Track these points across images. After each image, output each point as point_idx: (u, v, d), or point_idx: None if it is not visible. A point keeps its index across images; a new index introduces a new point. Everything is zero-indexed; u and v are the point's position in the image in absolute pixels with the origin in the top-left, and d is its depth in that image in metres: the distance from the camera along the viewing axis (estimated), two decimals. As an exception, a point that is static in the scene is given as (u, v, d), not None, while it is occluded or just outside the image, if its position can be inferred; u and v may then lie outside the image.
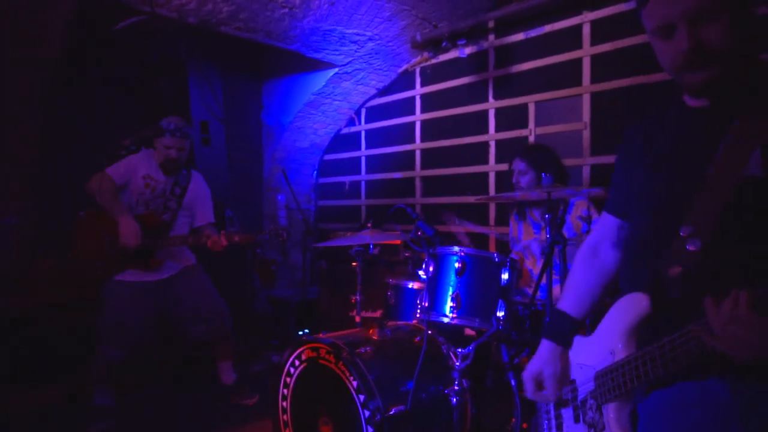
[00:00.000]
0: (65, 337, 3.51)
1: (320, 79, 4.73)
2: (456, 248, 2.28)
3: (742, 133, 1.03)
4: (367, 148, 5.23)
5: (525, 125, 3.94)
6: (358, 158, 5.30)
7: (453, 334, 2.48)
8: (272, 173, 5.30)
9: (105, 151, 3.17)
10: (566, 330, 1.37)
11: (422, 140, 4.72)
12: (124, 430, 3.03)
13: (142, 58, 4.24)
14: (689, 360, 0.97)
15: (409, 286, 2.78)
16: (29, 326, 3.43)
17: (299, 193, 5.43)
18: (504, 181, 4.04)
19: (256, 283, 4.95)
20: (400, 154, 4.90)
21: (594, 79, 3.54)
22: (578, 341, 1.34)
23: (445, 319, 2.25)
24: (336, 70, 4.57)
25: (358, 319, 2.94)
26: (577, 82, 3.63)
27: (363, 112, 5.23)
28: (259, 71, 5.24)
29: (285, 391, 2.40)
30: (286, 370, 2.39)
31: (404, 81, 4.83)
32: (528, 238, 3.12)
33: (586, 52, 3.58)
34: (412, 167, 4.80)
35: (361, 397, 2.06)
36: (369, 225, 2.98)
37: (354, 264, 2.97)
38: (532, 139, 3.88)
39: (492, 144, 4.17)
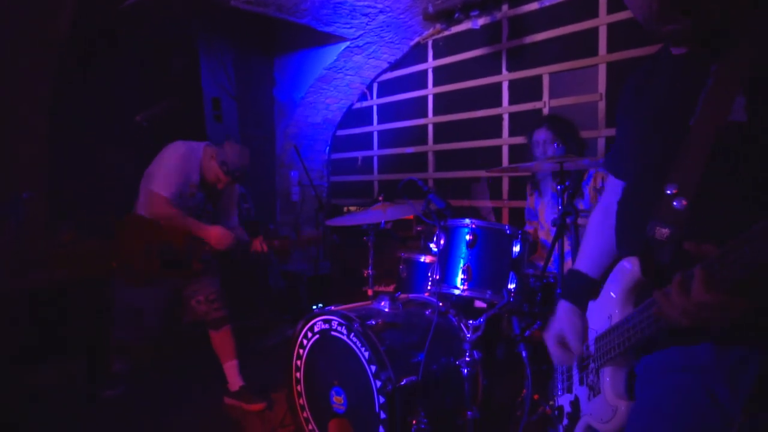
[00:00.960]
0: (84, 311, 3.59)
1: (332, 54, 4.68)
2: (467, 220, 2.27)
3: (722, 77, 0.98)
4: (379, 123, 5.19)
5: (539, 97, 3.87)
6: (371, 133, 5.27)
7: (464, 306, 2.48)
8: (285, 150, 5.30)
9: (115, 127, 3.17)
10: (583, 290, 1.36)
11: (435, 114, 4.67)
12: (134, 397, 3.15)
13: (152, 34, 4.23)
14: (666, 326, 0.96)
15: (421, 260, 2.79)
16: (49, 301, 3.50)
17: (312, 169, 5.43)
18: (517, 154, 3.99)
19: (271, 257, 5.00)
20: (413, 129, 4.86)
21: (610, 49, 3.46)
22: (588, 304, 1.34)
23: (456, 291, 2.25)
24: (347, 43, 4.52)
25: (370, 293, 2.95)
26: (593, 52, 3.54)
27: (375, 86, 5.18)
28: (270, 47, 5.20)
29: (298, 362, 2.43)
30: (299, 341, 2.42)
31: (416, 54, 4.76)
32: (544, 209, 3.09)
33: (602, 20, 3.48)
34: (424, 142, 4.76)
35: (373, 368, 2.08)
36: (380, 199, 2.98)
37: (366, 238, 2.98)
38: (546, 111, 3.82)
39: (506, 117, 4.11)
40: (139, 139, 4.00)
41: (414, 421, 2.06)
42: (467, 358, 2.19)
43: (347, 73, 4.91)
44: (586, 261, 1.39)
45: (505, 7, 4.05)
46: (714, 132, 0.97)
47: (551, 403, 1.48)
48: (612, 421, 1.13)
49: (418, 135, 4.82)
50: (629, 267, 1.11)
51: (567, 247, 2.25)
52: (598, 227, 1.40)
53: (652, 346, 1.08)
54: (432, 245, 2.41)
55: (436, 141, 4.68)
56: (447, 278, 2.29)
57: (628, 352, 1.11)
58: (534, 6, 3.86)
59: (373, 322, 2.22)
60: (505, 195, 4.14)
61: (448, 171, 4.58)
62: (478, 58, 4.27)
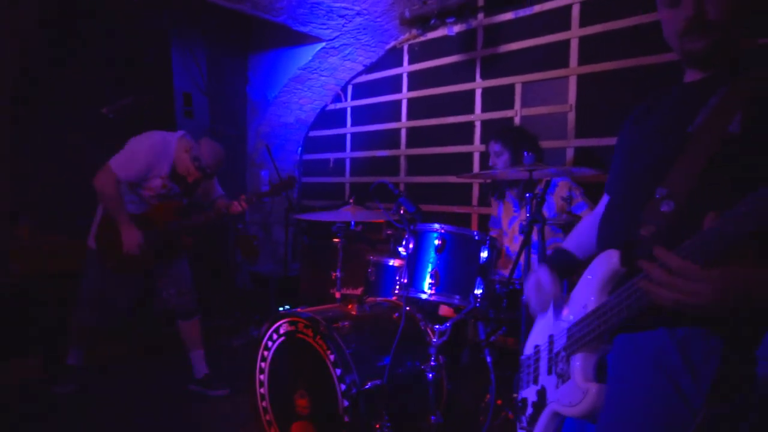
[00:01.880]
0: (45, 308, 3.48)
1: (307, 54, 4.65)
2: (436, 225, 2.29)
3: (728, 97, 1.07)
4: (352, 125, 5.18)
5: (511, 106, 3.92)
6: (344, 135, 5.25)
7: (431, 310, 2.49)
8: (256, 149, 5.25)
9: (83, 119, 3.09)
10: (565, 264, 1.46)
11: (408, 118, 4.69)
12: (88, 394, 3.09)
13: (124, 25, 4.13)
14: (641, 311, 1.01)
15: (390, 263, 2.79)
16: (9, 298, 3.38)
17: (283, 170, 5.38)
18: (488, 161, 4.04)
19: (238, 258, 4.93)
20: (386, 132, 4.86)
21: (581, 62, 3.53)
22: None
23: (424, 296, 2.26)
24: (323, 44, 4.50)
25: (338, 295, 2.94)
26: (565, 63, 3.61)
27: (349, 88, 5.17)
28: (245, 44, 5.14)
29: (263, 364, 2.40)
30: (264, 343, 2.39)
31: (392, 58, 4.77)
32: (508, 217, 3.14)
33: (574, 33, 3.56)
34: (397, 145, 4.77)
35: (338, 371, 2.08)
36: (351, 201, 2.97)
37: (336, 240, 2.96)
38: (517, 120, 3.87)
39: (478, 124, 4.16)
40: (106, 131, 3.90)
41: (378, 425, 2.06)
42: (432, 363, 2.20)
43: (322, 74, 4.89)
44: (573, 243, 1.49)
45: (480, 16, 4.09)
46: (713, 141, 1.04)
47: (515, 395, 1.52)
48: (581, 403, 1.16)
49: (391, 138, 4.83)
50: (609, 258, 1.17)
51: (534, 255, 2.29)
52: (591, 221, 1.48)
53: (624, 330, 1.12)
54: (401, 249, 2.41)
55: (408, 145, 4.70)
56: (415, 282, 2.29)
57: (603, 335, 1.14)
58: (509, 16, 3.92)
59: (340, 325, 2.21)
60: (474, 201, 4.18)
61: (420, 175, 4.60)
62: (452, 65, 4.31)
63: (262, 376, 2.41)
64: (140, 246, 2.88)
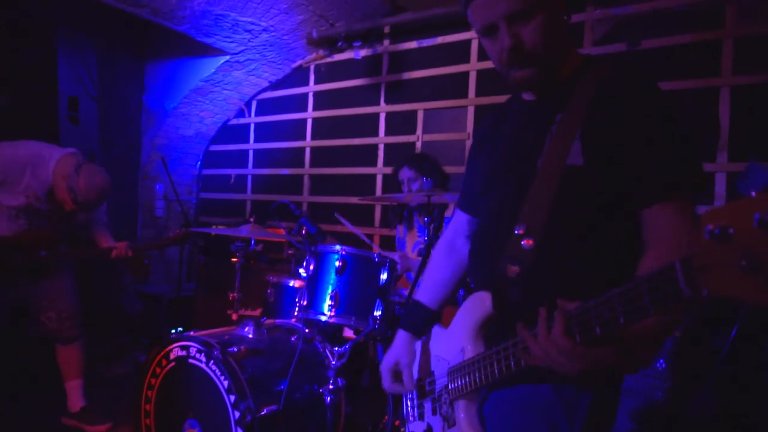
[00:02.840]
0: None
1: (210, 66, 4.51)
2: (337, 247, 2.29)
3: (564, 125, 1.07)
4: (255, 141, 5.08)
5: (413, 131, 4.06)
6: (246, 151, 5.13)
7: (332, 333, 2.47)
8: (151, 160, 4.96)
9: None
10: (420, 320, 1.40)
11: (313, 138, 4.68)
12: None
13: (2, 14, 3.74)
14: (519, 369, 1.00)
15: (290, 284, 2.74)
16: None
17: (180, 184, 5.13)
18: (390, 183, 4.12)
19: (126, 278, 4.59)
20: (290, 150, 4.82)
21: (478, 93, 3.74)
22: (438, 332, 1.36)
23: (323, 318, 2.24)
24: (227, 57, 4.39)
25: (235, 317, 2.84)
26: (464, 94, 3.81)
27: (254, 104, 5.07)
28: (142, 50, 4.88)
29: (149, 393, 2.24)
30: (151, 370, 2.24)
31: (298, 76, 4.76)
32: (413, 241, 3.21)
33: (473, 66, 3.77)
34: (301, 164, 4.74)
35: (232, 398, 1.99)
36: (251, 220, 2.89)
37: (234, 260, 2.86)
38: (419, 145, 4.01)
39: (381, 147, 4.25)
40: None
41: (272, 453, 1.99)
42: (331, 386, 2.18)
43: (225, 88, 4.76)
44: (426, 293, 1.44)
45: (386, 42, 4.22)
46: (556, 175, 1.05)
47: (402, 430, 1.50)
48: None
49: (295, 157, 4.79)
50: (482, 301, 1.16)
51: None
52: (442, 261, 1.45)
53: (501, 385, 1.12)
54: (302, 270, 2.38)
55: (312, 164, 4.68)
56: (315, 304, 2.27)
57: (480, 389, 1.14)
58: (413, 44, 4.07)
59: (235, 349, 2.13)
60: (376, 222, 4.24)
61: (323, 195, 4.59)
62: (358, 88, 4.38)
63: (148, 406, 2.24)
64: None
